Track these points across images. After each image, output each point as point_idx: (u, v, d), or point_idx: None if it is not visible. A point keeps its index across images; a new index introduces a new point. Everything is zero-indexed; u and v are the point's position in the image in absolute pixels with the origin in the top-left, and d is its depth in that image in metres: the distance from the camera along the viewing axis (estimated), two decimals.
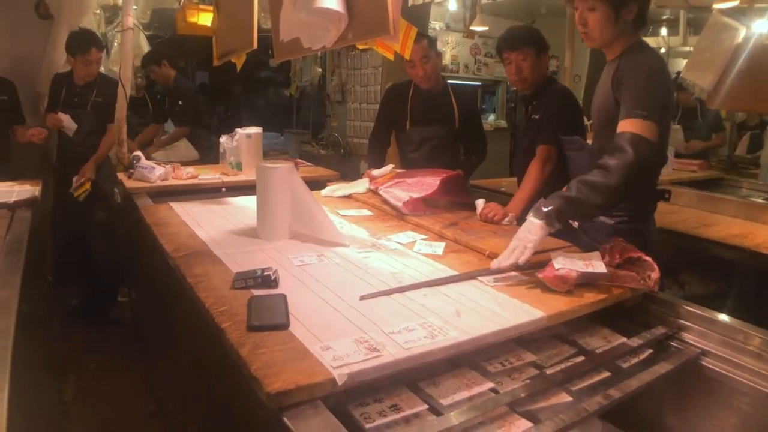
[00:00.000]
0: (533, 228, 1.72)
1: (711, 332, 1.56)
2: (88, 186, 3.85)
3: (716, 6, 3.62)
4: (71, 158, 3.98)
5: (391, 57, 1.99)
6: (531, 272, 1.70)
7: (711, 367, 1.51)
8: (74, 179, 3.84)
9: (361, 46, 1.95)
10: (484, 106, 8.81)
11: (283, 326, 1.29)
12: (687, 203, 3.50)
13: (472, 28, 5.19)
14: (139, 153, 3.43)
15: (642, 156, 1.76)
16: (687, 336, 1.59)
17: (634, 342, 1.51)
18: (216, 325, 1.32)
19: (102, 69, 4.34)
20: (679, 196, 3.48)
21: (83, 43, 3.80)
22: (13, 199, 2.73)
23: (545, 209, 1.73)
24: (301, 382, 1.06)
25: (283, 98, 11.13)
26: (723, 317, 1.56)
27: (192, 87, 5.43)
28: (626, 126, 1.82)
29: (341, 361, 1.13)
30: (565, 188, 1.85)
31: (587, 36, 2.00)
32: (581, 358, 1.44)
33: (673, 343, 1.58)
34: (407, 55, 1.93)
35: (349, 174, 4.09)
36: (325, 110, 7.50)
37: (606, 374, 1.39)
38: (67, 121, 3.89)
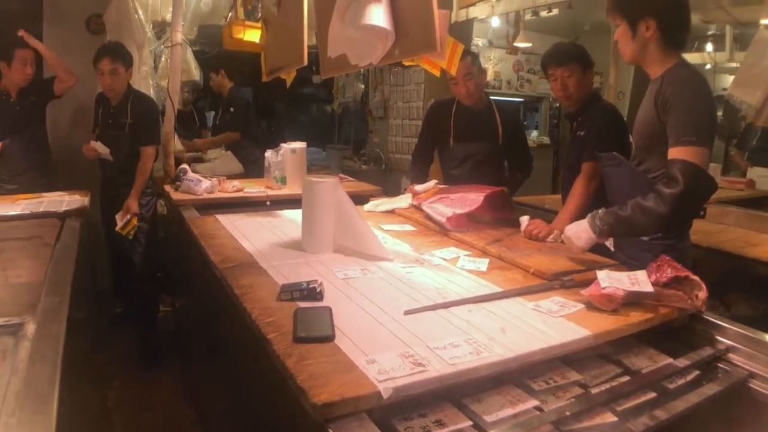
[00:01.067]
0: (583, 235, 1.89)
1: (759, 354, 1.52)
2: (134, 222, 3.63)
3: (763, 21, 3.55)
4: (112, 181, 3.83)
5: (437, 73, 2.01)
6: (577, 290, 1.68)
7: (759, 389, 1.48)
8: (117, 217, 3.63)
9: (407, 63, 1.97)
10: (526, 123, 8.77)
11: (329, 338, 1.30)
12: (734, 222, 3.41)
13: (515, 44, 5.19)
14: (185, 166, 3.52)
15: (694, 186, 1.79)
16: (735, 357, 1.56)
17: (681, 363, 1.48)
18: (262, 335, 1.35)
19: (151, 83, 4.47)
20: (726, 215, 3.40)
21: (97, 54, 3.61)
22: (63, 208, 2.83)
23: (599, 223, 1.87)
24: (346, 394, 1.07)
25: (326, 114, 11.27)
26: None
27: (245, 98, 5.61)
28: (677, 153, 1.83)
29: (386, 374, 1.14)
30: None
31: (621, 52, 2.07)
32: (626, 378, 1.41)
33: (720, 365, 1.55)
34: (453, 72, 1.95)
35: (390, 190, 4.11)
36: (366, 126, 7.56)
37: (652, 395, 1.36)
38: (100, 148, 3.64)
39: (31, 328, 1.57)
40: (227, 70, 5.19)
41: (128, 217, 3.60)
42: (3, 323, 1.61)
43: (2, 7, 4.03)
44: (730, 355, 1.57)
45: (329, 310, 1.45)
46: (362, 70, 7.31)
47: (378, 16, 1.81)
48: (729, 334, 1.60)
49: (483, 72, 3.35)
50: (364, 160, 7.26)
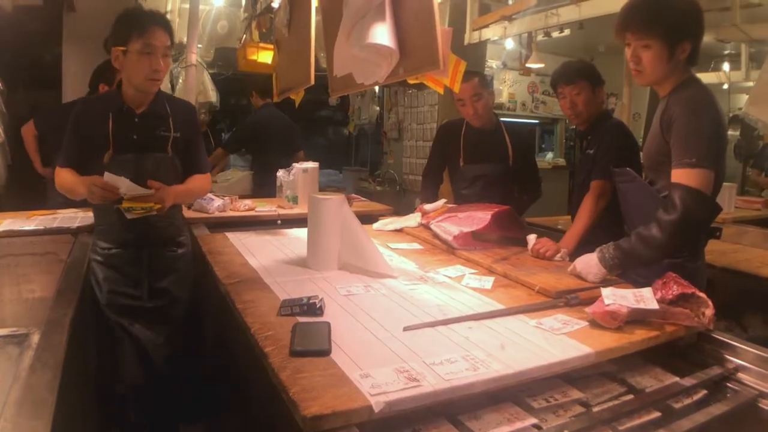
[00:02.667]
0: (593, 269, 1.92)
1: None
2: (154, 208, 2.25)
3: None
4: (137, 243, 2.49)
5: (440, 91, 2.02)
6: (581, 308, 1.66)
7: None
8: (125, 184, 2.21)
9: (412, 81, 1.99)
10: (543, 145, 8.76)
11: (325, 352, 1.30)
12: (751, 242, 3.36)
13: (528, 65, 5.20)
14: None
15: (692, 212, 1.77)
16: (744, 377, 1.52)
17: (687, 382, 1.45)
18: (260, 349, 1.35)
19: None
20: (743, 235, 3.35)
21: (141, 21, 2.29)
22: (76, 224, 2.86)
23: (609, 258, 1.90)
24: (337, 407, 1.06)
25: (342, 136, 11.35)
26: None
27: (252, 119, 5.63)
28: (677, 177, 1.81)
29: (380, 389, 1.13)
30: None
31: (640, 74, 1.97)
32: (630, 397, 1.39)
33: (729, 384, 1.51)
34: (456, 89, 1.96)
35: (405, 210, 4.10)
36: (381, 148, 7.60)
37: (656, 414, 1.33)
38: (125, 186, 2.20)
39: (36, 338, 1.60)
40: (258, 90, 5.22)
41: (150, 203, 2.25)
42: (9, 333, 1.63)
43: (24, 27, 4.13)
44: (740, 375, 1.53)
45: (328, 325, 1.45)
46: (377, 92, 7.38)
47: (382, 35, 1.83)
48: (739, 353, 1.56)
49: (491, 93, 3.34)
50: (379, 182, 7.29)
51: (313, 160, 3.85)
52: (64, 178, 2.36)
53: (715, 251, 3.01)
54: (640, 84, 2.05)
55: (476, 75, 3.14)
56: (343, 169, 9.73)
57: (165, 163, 2.44)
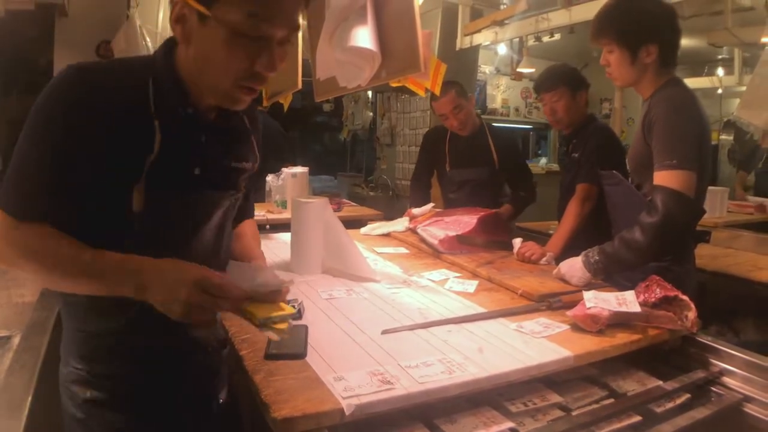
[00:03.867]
0: (578, 273, 1.90)
1: (755, 377, 1.47)
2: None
3: (765, 39, 3.52)
4: None
5: (422, 93, 2.02)
6: (563, 311, 1.65)
7: (755, 414, 1.42)
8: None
9: (394, 84, 1.98)
10: (540, 151, 8.77)
11: (300, 356, 1.29)
12: (743, 246, 3.35)
13: (519, 70, 5.21)
14: None
15: (674, 215, 1.75)
16: (729, 380, 1.50)
17: (670, 386, 1.43)
18: (236, 351, 1.33)
19: None
20: (735, 240, 3.35)
21: None
22: None
23: (593, 262, 1.88)
24: (308, 410, 1.05)
25: (338, 142, 11.38)
26: None
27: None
28: (658, 179, 1.80)
29: (352, 391, 1.12)
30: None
31: (611, 76, 2.01)
32: (611, 401, 1.37)
33: (713, 388, 1.50)
34: (437, 91, 1.96)
35: (397, 215, 4.09)
36: (375, 153, 7.61)
37: (637, 418, 1.31)
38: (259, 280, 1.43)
39: (17, 340, 1.60)
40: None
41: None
42: None
43: (15, 31, 4.12)
44: (725, 378, 1.52)
45: (305, 328, 1.44)
46: (370, 98, 7.39)
47: (364, 37, 1.83)
48: (723, 357, 1.55)
49: (470, 99, 3.33)
50: (372, 187, 7.29)
51: (309, 166, 3.84)
52: (55, 251, 1.09)
53: (707, 255, 3.01)
54: (617, 85, 2.07)
55: (452, 87, 3.12)
56: (338, 175, 9.76)
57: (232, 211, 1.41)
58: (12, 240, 1.08)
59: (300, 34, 2.63)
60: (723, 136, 6.81)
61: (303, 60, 2.74)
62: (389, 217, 3.82)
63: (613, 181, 2.14)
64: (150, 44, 4.33)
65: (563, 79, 2.67)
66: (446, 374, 1.22)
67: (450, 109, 3.09)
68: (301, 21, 2.57)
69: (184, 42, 1.14)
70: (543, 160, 8.31)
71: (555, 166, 8.04)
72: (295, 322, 1.50)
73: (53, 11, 4.30)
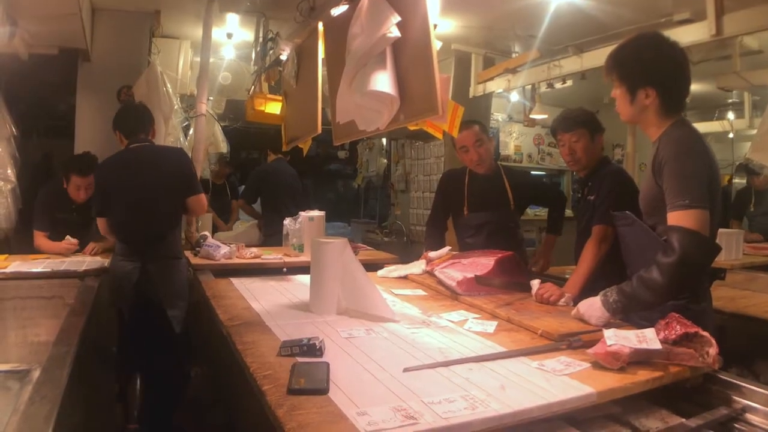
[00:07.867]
0: (596, 313, 1.90)
1: None
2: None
3: None
4: None
5: (440, 136, 2.07)
6: (583, 350, 1.65)
7: None
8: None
9: (412, 128, 2.03)
10: None
11: (323, 391, 1.29)
12: (761, 288, 3.31)
13: (531, 116, 5.28)
14: (206, 233, 3.58)
15: (690, 254, 1.76)
16: (752, 417, 1.48)
17: (693, 423, 1.41)
18: (258, 387, 1.34)
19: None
20: (752, 281, 3.32)
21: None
22: (83, 268, 2.89)
23: (612, 302, 1.88)
24: None
25: (351, 190, 11.50)
26: None
27: (262, 169, 5.83)
28: (673, 219, 1.82)
29: (376, 426, 1.12)
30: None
31: (617, 110, 2.08)
32: None
33: (737, 425, 1.48)
34: (455, 134, 2.00)
35: (412, 261, 4.11)
36: (389, 200, 7.67)
37: None
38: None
39: (37, 374, 1.62)
40: (272, 148, 5.44)
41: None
42: (11, 369, 1.65)
43: (38, 76, 4.24)
44: (748, 415, 1.50)
45: (327, 364, 1.45)
46: (384, 145, 7.50)
47: (383, 82, 1.89)
48: (746, 394, 1.54)
49: (491, 139, 3.39)
50: (386, 233, 7.32)
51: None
52: None
53: (724, 297, 2.99)
54: (623, 120, 2.12)
55: (476, 123, 3.21)
56: (351, 222, 9.81)
57: None
58: None
59: (319, 82, 2.71)
60: (736, 180, 6.79)
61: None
62: (405, 262, 3.83)
63: (626, 221, 2.15)
64: (170, 89, 4.45)
65: (582, 121, 2.71)
66: (469, 410, 1.22)
67: (473, 142, 3.13)
68: (321, 69, 2.67)
69: None
70: None
71: (569, 212, 8.02)
72: (316, 360, 1.52)
73: (76, 56, 4.43)
